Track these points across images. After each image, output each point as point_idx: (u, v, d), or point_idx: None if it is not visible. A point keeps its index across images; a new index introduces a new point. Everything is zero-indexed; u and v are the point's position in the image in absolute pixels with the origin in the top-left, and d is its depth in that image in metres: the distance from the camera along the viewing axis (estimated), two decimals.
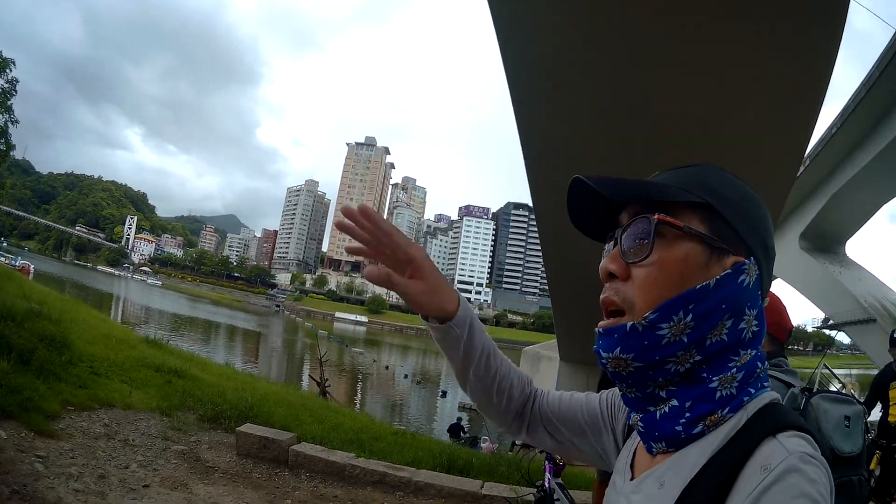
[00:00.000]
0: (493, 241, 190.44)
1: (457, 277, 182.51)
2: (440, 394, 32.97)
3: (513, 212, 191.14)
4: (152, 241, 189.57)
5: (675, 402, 0.70)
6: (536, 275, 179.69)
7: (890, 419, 5.09)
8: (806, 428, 0.63)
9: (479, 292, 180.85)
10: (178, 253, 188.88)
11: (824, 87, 7.02)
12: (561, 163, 11.57)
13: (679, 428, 0.68)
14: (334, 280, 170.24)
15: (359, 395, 29.11)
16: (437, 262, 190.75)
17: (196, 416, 5.82)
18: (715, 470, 0.62)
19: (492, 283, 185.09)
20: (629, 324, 0.68)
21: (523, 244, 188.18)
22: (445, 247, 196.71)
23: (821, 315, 38.42)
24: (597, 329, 0.74)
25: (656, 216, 0.68)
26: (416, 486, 4.93)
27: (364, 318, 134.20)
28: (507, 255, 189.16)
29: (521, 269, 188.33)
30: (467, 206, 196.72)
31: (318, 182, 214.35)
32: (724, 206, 0.70)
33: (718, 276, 0.68)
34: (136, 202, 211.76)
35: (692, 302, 0.67)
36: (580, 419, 0.99)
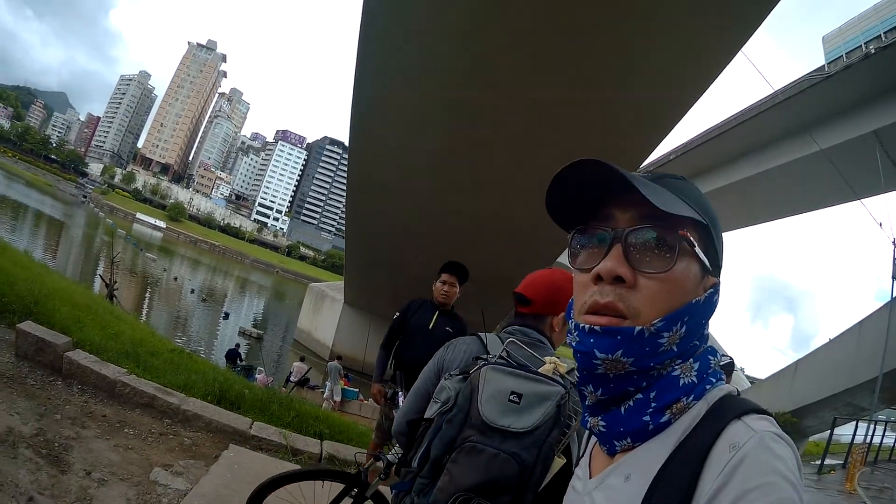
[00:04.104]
0: (301, 170, 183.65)
1: (259, 200, 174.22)
2: (223, 315, 31.52)
3: (327, 146, 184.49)
4: None
5: (640, 396, 0.68)
6: (336, 213, 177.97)
7: None
8: (768, 412, 0.64)
9: (276, 219, 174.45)
10: (6, 124, 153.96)
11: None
12: (389, 118, 11.51)
13: (647, 418, 0.67)
14: (142, 179, 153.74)
15: (145, 304, 26.97)
16: (245, 182, 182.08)
17: None
18: (685, 454, 0.61)
19: (291, 213, 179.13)
20: (637, 328, 0.65)
21: (330, 181, 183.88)
22: (255, 166, 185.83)
23: None
24: (590, 326, 0.68)
25: (682, 232, 0.67)
26: (185, 415, 4.68)
27: (162, 224, 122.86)
28: (313, 187, 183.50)
29: (322, 204, 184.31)
30: (284, 131, 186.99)
31: (150, 75, 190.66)
32: (714, 227, 0.71)
33: (706, 294, 0.70)
34: None
35: (688, 315, 0.67)
36: None
